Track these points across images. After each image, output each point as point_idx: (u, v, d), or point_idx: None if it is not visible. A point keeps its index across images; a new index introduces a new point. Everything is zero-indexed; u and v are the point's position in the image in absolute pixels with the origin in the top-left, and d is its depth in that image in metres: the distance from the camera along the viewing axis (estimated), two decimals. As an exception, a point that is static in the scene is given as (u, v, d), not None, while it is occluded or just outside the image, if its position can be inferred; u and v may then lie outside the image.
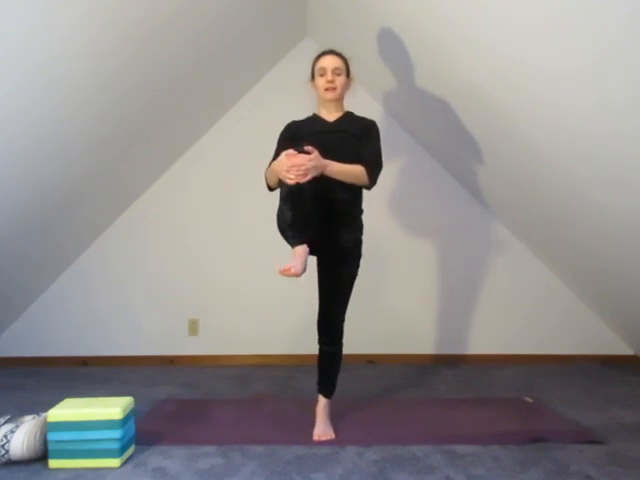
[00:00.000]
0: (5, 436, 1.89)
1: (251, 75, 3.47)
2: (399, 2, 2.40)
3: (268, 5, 2.91)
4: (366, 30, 2.83)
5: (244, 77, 3.43)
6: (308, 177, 1.89)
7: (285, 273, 1.85)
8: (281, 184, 1.96)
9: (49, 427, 1.87)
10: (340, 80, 2.19)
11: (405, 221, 3.52)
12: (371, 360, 3.44)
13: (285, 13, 3.14)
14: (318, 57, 2.23)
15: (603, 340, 3.49)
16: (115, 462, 1.87)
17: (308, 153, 1.91)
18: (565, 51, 1.79)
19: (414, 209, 3.53)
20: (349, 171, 2.06)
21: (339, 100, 2.24)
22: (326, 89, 2.18)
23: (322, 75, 2.18)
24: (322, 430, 2.13)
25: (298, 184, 1.88)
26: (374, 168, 2.13)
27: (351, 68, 2.24)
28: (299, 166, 1.88)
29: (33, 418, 2.01)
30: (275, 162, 2.00)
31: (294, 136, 2.20)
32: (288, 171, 1.88)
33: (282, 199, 1.96)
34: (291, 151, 1.91)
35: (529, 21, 1.81)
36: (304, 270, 1.88)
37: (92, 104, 2.42)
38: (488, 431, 2.17)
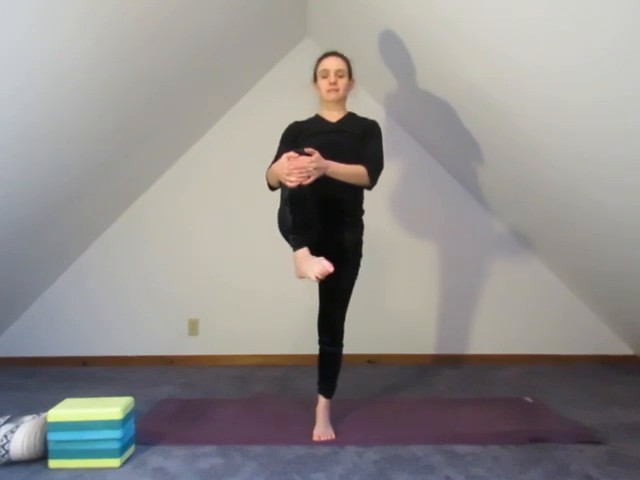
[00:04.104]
0: (5, 436, 1.89)
1: (251, 75, 3.47)
2: (400, 3, 2.40)
3: (268, 5, 2.91)
4: (367, 31, 2.83)
5: (244, 77, 3.43)
6: (310, 179, 1.89)
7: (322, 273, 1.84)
8: (282, 185, 1.96)
9: (49, 427, 1.87)
10: (343, 82, 2.19)
11: (406, 221, 3.52)
12: (371, 360, 3.44)
13: (285, 13, 3.14)
14: (321, 58, 2.24)
15: (603, 340, 3.49)
16: (115, 462, 1.87)
17: (309, 155, 1.91)
18: (566, 52, 1.79)
19: (415, 209, 3.53)
20: (350, 171, 2.06)
21: (341, 101, 2.25)
22: (328, 90, 2.19)
23: (325, 77, 2.19)
24: (322, 430, 2.13)
25: (299, 187, 1.88)
26: (375, 168, 2.12)
27: (353, 69, 2.25)
28: (301, 168, 1.88)
29: (33, 418, 2.01)
30: (276, 164, 2.00)
31: (296, 136, 2.21)
32: (289, 174, 1.88)
33: (283, 200, 1.96)
34: (292, 153, 1.90)
35: (530, 22, 1.81)
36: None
37: (92, 105, 2.42)
38: (488, 431, 2.17)
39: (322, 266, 1.83)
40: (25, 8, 1.74)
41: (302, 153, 1.90)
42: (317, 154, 1.92)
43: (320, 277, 1.85)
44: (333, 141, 2.14)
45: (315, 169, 1.90)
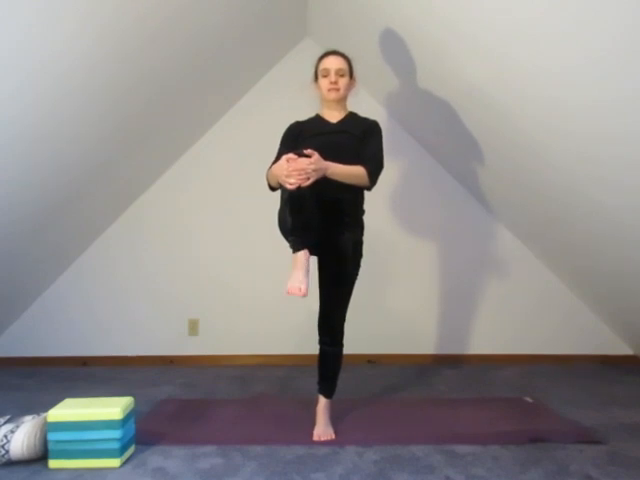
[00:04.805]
0: (5, 436, 1.89)
1: (251, 75, 3.47)
2: (400, 3, 2.40)
3: (268, 5, 2.91)
4: (367, 31, 2.83)
5: (244, 77, 3.43)
6: (310, 181, 1.89)
7: (294, 294, 1.88)
8: (282, 186, 1.96)
9: (49, 427, 1.87)
10: (343, 81, 2.19)
11: (406, 221, 3.52)
12: (371, 360, 3.44)
13: (285, 13, 3.14)
14: (321, 57, 2.23)
15: (603, 340, 3.49)
16: (115, 462, 1.87)
17: (308, 157, 1.90)
18: (566, 52, 1.79)
19: (415, 209, 3.53)
20: (350, 172, 2.06)
21: (342, 101, 2.24)
22: (329, 90, 2.18)
23: (325, 76, 2.18)
24: (322, 430, 2.13)
25: (298, 188, 1.88)
26: (374, 168, 2.12)
27: (354, 69, 2.24)
28: (300, 170, 1.87)
29: (33, 418, 2.01)
30: (275, 166, 2.00)
31: (297, 137, 2.21)
32: (288, 175, 1.88)
33: (283, 201, 1.96)
34: (291, 155, 1.90)
35: (530, 22, 1.81)
36: (308, 284, 1.91)
37: (92, 105, 2.42)
38: (488, 431, 2.17)
39: (297, 288, 1.87)
40: (25, 8, 1.74)
41: (301, 154, 1.90)
42: (316, 155, 1.92)
43: (288, 294, 1.89)
44: (333, 142, 2.14)
45: (314, 170, 1.90)
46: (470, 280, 3.52)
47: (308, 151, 1.91)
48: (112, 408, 1.88)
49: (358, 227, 2.21)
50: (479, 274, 3.52)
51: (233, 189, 3.50)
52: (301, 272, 1.89)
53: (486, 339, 3.50)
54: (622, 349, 3.50)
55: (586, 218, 2.59)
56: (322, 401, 2.19)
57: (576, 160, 2.25)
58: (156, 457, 1.96)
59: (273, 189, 2.14)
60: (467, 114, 2.74)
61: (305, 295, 1.88)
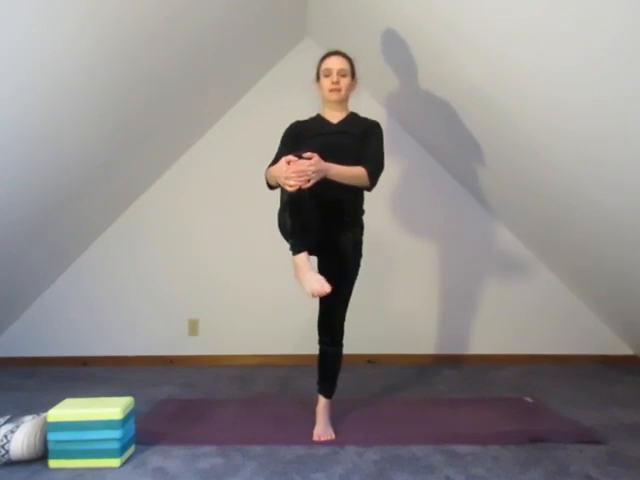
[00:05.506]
0: (5, 436, 1.89)
1: (251, 75, 3.47)
2: (400, 3, 2.40)
3: (268, 5, 2.91)
4: (367, 31, 2.83)
5: (244, 77, 3.43)
6: (310, 183, 1.88)
7: (322, 293, 1.86)
8: (282, 187, 1.96)
9: (49, 427, 1.87)
10: (345, 81, 2.19)
11: (406, 221, 3.52)
12: (371, 360, 3.44)
13: (285, 13, 3.14)
14: (324, 57, 2.23)
15: (603, 340, 3.49)
16: (115, 462, 1.87)
17: (308, 159, 1.90)
18: (566, 52, 1.79)
19: (415, 209, 3.53)
20: (350, 173, 2.05)
21: (343, 101, 2.24)
22: (330, 90, 2.18)
23: (327, 76, 2.18)
24: (322, 430, 2.13)
25: (298, 191, 1.87)
26: (375, 169, 2.12)
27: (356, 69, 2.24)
28: (300, 172, 1.87)
29: (33, 418, 2.01)
30: (275, 168, 1.99)
31: (297, 136, 2.21)
32: (288, 178, 1.88)
33: (283, 203, 1.96)
34: (291, 157, 1.90)
35: (530, 22, 1.81)
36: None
37: (92, 105, 2.42)
38: (488, 431, 2.17)
39: (320, 286, 1.84)
40: (25, 8, 1.74)
41: (301, 157, 1.89)
42: (316, 157, 1.91)
43: (315, 296, 1.86)
44: (334, 143, 2.14)
45: (314, 172, 1.89)
46: (470, 280, 3.52)
47: (308, 154, 1.90)
48: (112, 408, 1.88)
49: (358, 227, 2.21)
50: (479, 274, 3.52)
51: (233, 189, 3.50)
52: (310, 272, 1.89)
53: (486, 339, 3.50)
54: (622, 349, 3.50)
55: (586, 218, 2.59)
56: (322, 401, 2.19)
57: (576, 160, 2.25)
58: (156, 457, 1.96)
59: (272, 188, 2.14)
60: (467, 114, 2.74)
61: (329, 290, 1.85)
